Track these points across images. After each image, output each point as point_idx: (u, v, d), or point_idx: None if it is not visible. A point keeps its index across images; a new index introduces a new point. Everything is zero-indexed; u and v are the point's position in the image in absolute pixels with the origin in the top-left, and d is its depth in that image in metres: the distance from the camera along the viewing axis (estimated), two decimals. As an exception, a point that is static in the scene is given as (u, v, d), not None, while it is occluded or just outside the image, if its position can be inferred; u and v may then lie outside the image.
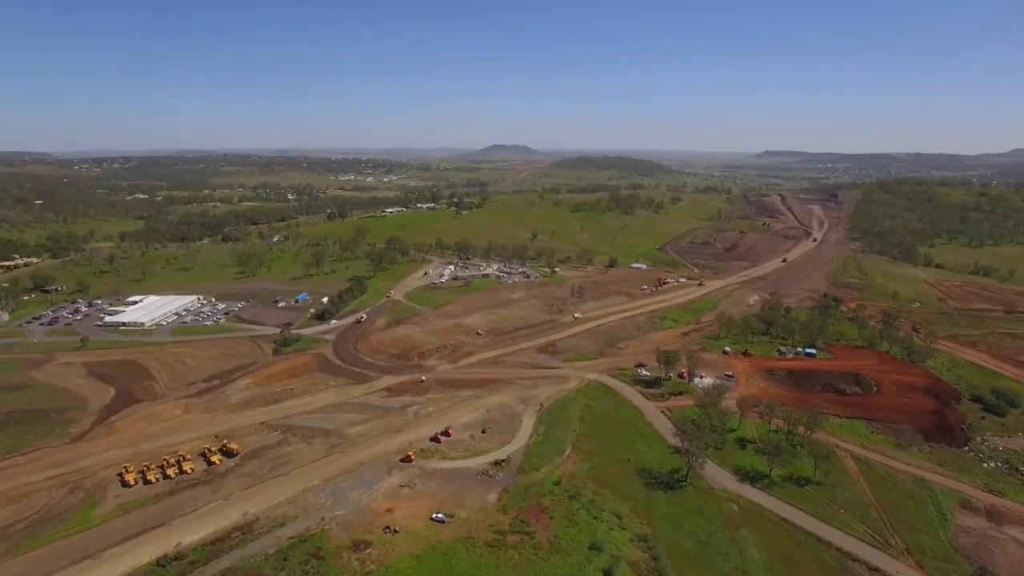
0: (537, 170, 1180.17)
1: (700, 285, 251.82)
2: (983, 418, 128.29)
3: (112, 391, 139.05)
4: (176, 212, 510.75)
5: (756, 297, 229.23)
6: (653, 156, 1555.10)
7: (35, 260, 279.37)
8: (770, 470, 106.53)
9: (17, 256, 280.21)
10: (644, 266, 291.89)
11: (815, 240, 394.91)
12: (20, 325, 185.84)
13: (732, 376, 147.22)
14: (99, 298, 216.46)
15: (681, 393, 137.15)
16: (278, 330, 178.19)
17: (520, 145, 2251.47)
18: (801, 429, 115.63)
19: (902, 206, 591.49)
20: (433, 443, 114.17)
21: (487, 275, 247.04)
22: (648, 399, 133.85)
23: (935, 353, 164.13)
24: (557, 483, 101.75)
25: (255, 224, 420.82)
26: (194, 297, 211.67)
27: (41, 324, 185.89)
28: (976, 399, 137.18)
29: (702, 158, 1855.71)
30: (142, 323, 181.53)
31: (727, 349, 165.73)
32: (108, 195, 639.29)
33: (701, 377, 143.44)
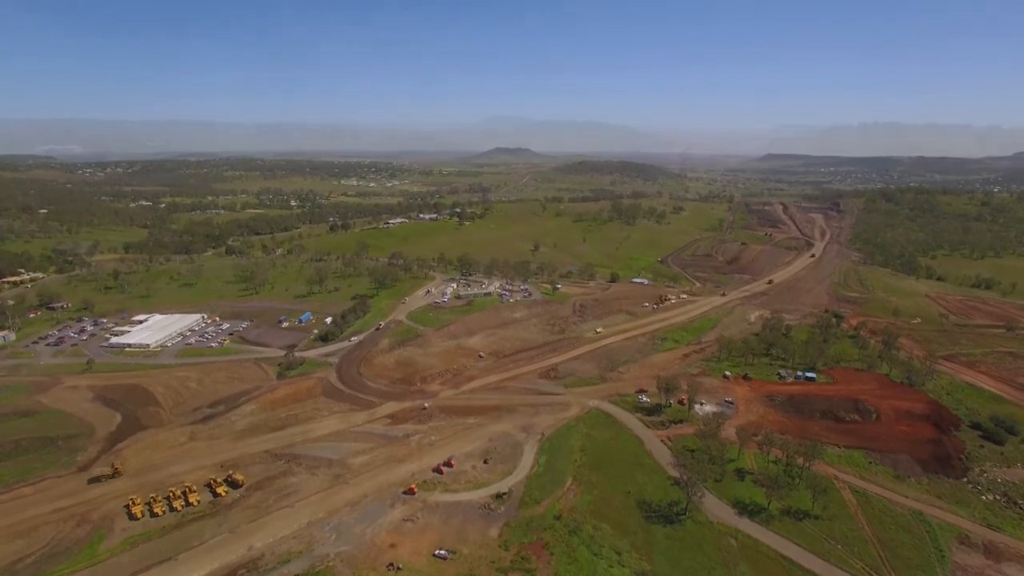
0: (539, 175, 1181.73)
1: (724, 295, 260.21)
2: (982, 447, 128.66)
3: (118, 417, 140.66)
4: (180, 220, 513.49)
5: (757, 314, 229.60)
6: (656, 160, 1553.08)
7: (40, 275, 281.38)
8: (768, 503, 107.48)
9: (23, 271, 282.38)
10: (646, 281, 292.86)
11: (813, 256, 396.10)
12: (27, 346, 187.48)
13: (732, 402, 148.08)
14: (104, 316, 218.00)
15: (681, 421, 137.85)
16: (282, 352, 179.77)
17: (522, 148, 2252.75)
18: (800, 460, 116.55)
19: (904, 215, 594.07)
20: (436, 474, 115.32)
21: (489, 293, 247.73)
22: (648, 427, 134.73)
23: (935, 375, 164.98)
24: (558, 517, 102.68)
25: (258, 234, 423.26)
26: (198, 316, 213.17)
27: (47, 344, 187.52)
28: (975, 426, 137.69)
29: (705, 161, 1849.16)
30: (147, 344, 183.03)
31: (727, 374, 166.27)
32: (112, 202, 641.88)
33: (701, 404, 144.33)
